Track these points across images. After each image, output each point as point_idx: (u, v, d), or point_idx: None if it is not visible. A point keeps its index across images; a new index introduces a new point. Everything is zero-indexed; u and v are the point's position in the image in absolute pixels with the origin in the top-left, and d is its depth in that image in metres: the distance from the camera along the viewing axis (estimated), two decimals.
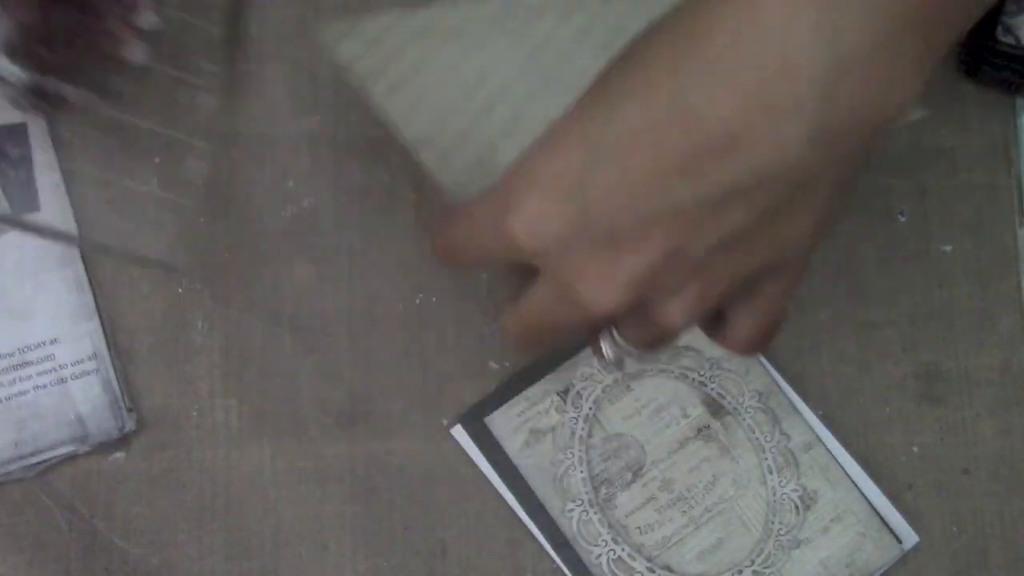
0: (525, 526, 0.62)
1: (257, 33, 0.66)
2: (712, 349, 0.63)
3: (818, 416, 0.64)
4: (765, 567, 0.62)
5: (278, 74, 0.66)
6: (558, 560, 0.62)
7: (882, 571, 0.62)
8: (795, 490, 0.62)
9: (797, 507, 0.62)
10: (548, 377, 0.63)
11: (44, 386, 0.62)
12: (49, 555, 0.61)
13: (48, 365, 0.62)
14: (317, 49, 0.66)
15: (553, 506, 0.62)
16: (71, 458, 0.62)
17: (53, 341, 0.63)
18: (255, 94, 0.66)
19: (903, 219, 0.66)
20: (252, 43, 0.66)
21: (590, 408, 0.63)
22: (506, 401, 0.63)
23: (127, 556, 0.62)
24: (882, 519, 0.62)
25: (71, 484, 0.62)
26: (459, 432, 0.63)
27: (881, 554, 0.62)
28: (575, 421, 0.63)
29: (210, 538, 0.62)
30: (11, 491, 0.62)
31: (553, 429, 0.62)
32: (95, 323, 0.63)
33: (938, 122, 0.66)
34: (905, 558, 0.63)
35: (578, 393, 0.63)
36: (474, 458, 0.63)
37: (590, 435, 0.63)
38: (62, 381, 0.62)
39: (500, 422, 0.62)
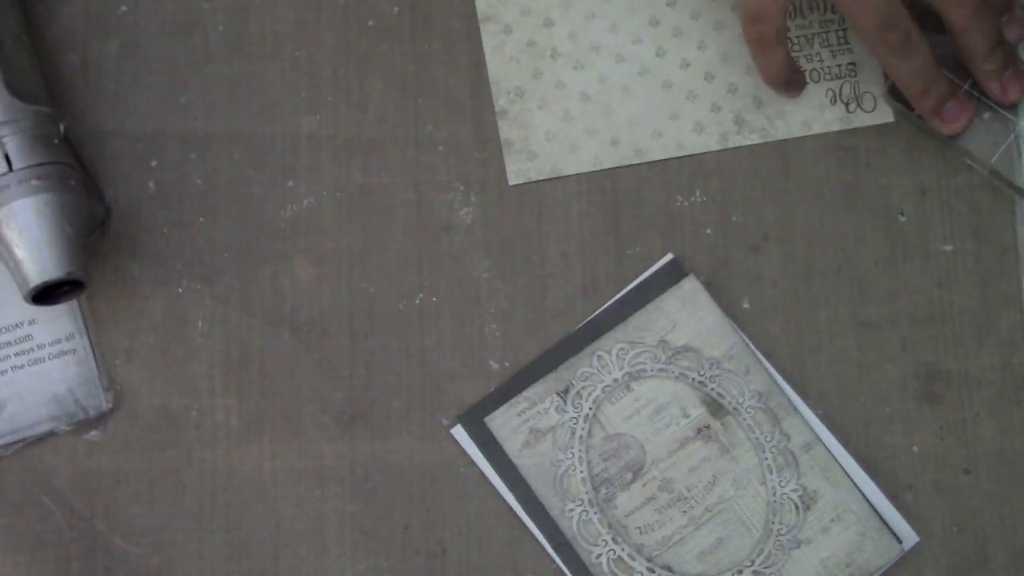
0: (525, 526, 0.62)
1: (256, 33, 0.66)
2: (712, 349, 0.63)
3: (818, 416, 0.64)
4: (765, 567, 0.62)
5: (276, 75, 0.66)
6: (558, 560, 0.62)
7: (882, 571, 0.62)
8: (795, 490, 0.62)
9: (797, 507, 0.62)
10: (548, 377, 0.63)
11: (22, 366, 0.63)
12: (49, 555, 0.61)
13: (26, 345, 0.63)
14: (315, 49, 0.66)
15: (553, 506, 0.62)
16: (50, 437, 0.62)
17: (31, 322, 0.63)
18: (255, 94, 0.66)
19: (903, 219, 0.66)
20: (251, 44, 0.66)
21: (590, 408, 0.63)
22: (506, 401, 0.63)
23: (127, 556, 0.62)
24: (882, 519, 0.62)
25: (71, 484, 0.62)
26: (459, 432, 0.63)
27: (881, 554, 0.62)
28: (575, 421, 0.63)
29: (210, 538, 0.62)
30: (11, 492, 0.62)
31: (553, 429, 0.62)
32: (73, 304, 0.63)
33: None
34: (905, 558, 0.63)
35: (578, 393, 0.63)
36: (474, 458, 0.63)
37: (590, 435, 0.63)
38: (40, 361, 0.63)
39: (500, 422, 0.62)
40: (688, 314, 0.64)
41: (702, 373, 0.63)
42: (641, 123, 0.66)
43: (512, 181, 0.65)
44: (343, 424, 0.63)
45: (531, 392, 0.63)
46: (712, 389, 0.63)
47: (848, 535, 0.62)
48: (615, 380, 0.63)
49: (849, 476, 0.63)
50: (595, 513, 0.62)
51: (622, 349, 0.63)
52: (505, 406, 0.63)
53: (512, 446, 0.62)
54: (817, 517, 0.62)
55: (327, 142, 0.66)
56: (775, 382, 0.63)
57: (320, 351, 0.64)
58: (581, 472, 0.62)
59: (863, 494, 0.62)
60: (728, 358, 0.63)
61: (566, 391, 0.63)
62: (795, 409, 0.63)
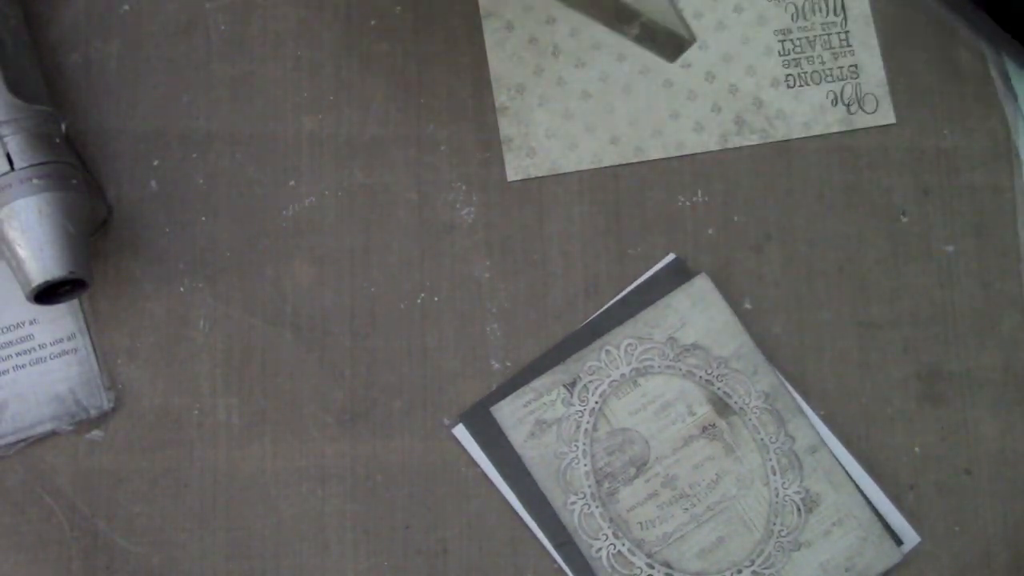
0: (526, 525, 0.62)
1: (258, 33, 0.66)
2: (720, 348, 0.63)
3: (820, 416, 0.64)
4: (765, 568, 0.62)
5: (278, 74, 0.66)
6: (559, 559, 0.62)
7: None
8: (798, 492, 0.62)
9: (799, 509, 0.62)
10: (556, 369, 0.63)
11: (23, 366, 0.62)
12: (51, 554, 0.61)
13: (27, 345, 0.63)
14: (317, 49, 0.66)
15: (555, 498, 0.62)
16: (52, 436, 0.62)
17: (32, 321, 0.63)
18: (257, 93, 0.66)
19: (905, 219, 0.66)
20: (253, 43, 0.66)
21: (596, 402, 0.63)
22: (513, 391, 0.62)
23: (128, 555, 0.62)
24: (884, 524, 0.62)
25: (72, 483, 0.62)
26: (460, 431, 0.63)
27: (881, 559, 0.62)
28: (581, 414, 0.62)
29: (211, 537, 0.62)
30: (13, 491, 0.62)
31: (558, 421, 0.62)
32: (74, 304, 0.63)
33: (940, 123, 0.66)
34: (907, 558, 0.63)
35: (585, 386, 0.63)
36: (475, 457, 0.63)
37: (595, 429, 0.62)
38: (41, 361, 0.63)
39: (506, 411, 0.62)
40: (698, 312, 0.64)
41: (709, 372, 0.63)
42: (641, 122, 0.66)
43: (511, 177, 0.65)
44: (344, 424, 0.63)
45: (538, 383, 0.63)
46: (719, 388, 0.63)
47: (849, 539, 0.62)
48: (622, 375, 0.63)
49: (852, 479, 0.63)
50: (597, 507, 0.62)
51: (630, 344, 0.63)
52: (512, 396, 0.62)
53: (517, 436, 0.62)
54: (819, 520, 0.62)
55: (329, 141, 0.66)
56: (782, 383, 0.63)
57: (321, 350, 0.64)
58: (584, 465, 0.62)
59: (866, 498, 0.62)
60: (736, 358, 0.63)
61: (573, 384, 0.63)
62: (801, 411, 0.63)
